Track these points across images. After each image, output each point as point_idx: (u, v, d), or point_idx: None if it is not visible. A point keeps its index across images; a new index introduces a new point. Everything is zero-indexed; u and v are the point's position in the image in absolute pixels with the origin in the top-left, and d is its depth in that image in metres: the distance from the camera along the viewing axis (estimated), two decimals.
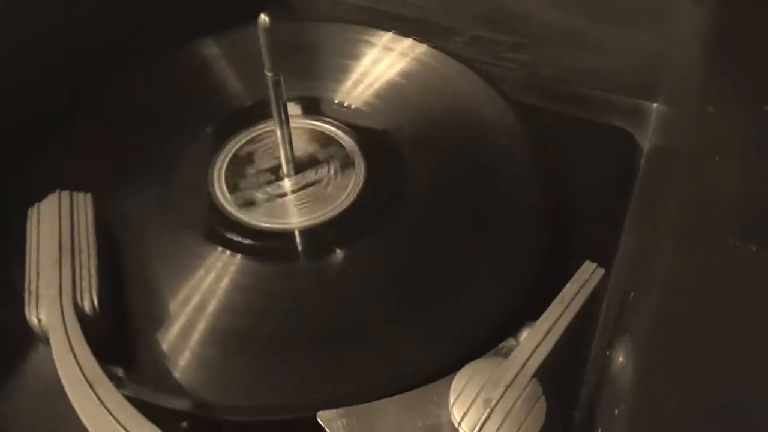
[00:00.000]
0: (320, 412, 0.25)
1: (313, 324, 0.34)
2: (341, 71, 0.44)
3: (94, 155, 0.40)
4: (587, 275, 0.27)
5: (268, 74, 0.35)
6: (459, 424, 0.23)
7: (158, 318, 0.33)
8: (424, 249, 0.37)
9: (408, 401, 0.25)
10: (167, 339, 0.33)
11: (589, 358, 0.31)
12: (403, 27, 0.47)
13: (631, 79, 0.46)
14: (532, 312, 0.29)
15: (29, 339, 0.33)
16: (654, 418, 0.20)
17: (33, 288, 0.31)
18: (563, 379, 0.29)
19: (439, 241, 0.37)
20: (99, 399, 0.27)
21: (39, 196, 0.35)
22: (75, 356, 0.28)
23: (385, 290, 0.35)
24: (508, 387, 0.23)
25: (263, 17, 0.33)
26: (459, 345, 0.30)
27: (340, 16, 0.53)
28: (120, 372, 0.31)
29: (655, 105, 0.47)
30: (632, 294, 0.27)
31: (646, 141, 0.45)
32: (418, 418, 0.24)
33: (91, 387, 0.27)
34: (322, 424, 0.24)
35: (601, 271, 0.27)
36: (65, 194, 0.35)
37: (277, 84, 0.35)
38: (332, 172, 0.40)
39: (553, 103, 0.47)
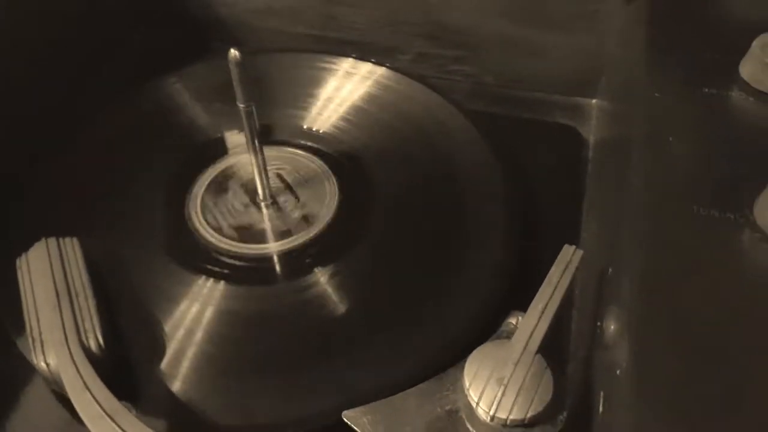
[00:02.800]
0: (345, 412, 0.26)
1: (306, 340, 0.35)
2: (307, 98, 0.46)
3: (72, 197, 0.41)
4: (568, 257, 0.29)
5: (241, 105, 0.36)
6: (477, 403, 0.25)
7: (159, 350, 0.34)
8: (402, 259, 0.39)
9: (425, 391, 0.27)
10: (171, 370, 0.34)
11: (573, 330, 0.34)
12: (349, 51, 0.49)
13: (570, 79, 0.50)
14: (516, 300, 0.31)
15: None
16: (655, 370, 0.22)
17: (36, 334, 0.32)
18: (559, 352, 0.32)
19: (416, 250, 0.39)
20: (123, 430, 0.28)
21: (19, 245, 0.36)
22: (92, 393, 0.29)
23: (367, 304, 0.36)
24: (516, 365, 0.26)
25: (234, 52, 0.34)
26: (448, 346, 0.32)
27: (285, 46, 0.55)
28: (129, 406, 0.32)
29: (594, 101, 0.50)
30: (610, 269, 0.30)
31: (591, 134, 0.48)
32: (437, 406, 0.26)
33: (113, 420, 0.28)
34: (349, 423, 0.26)
35: (580, 252, 0.30)
36: (52, 241, 0.35)
37: (249, 114, 0.37)
38: (306, 195, 0.41)
39: (501, 108, 0.50)
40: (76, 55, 0.48)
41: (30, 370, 0.36)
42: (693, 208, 0.26)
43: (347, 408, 0.28)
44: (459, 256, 0.38)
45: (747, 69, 0.30)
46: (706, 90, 0.30)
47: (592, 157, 0.46)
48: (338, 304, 0.36)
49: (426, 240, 0.39)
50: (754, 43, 0.30)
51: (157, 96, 0.46)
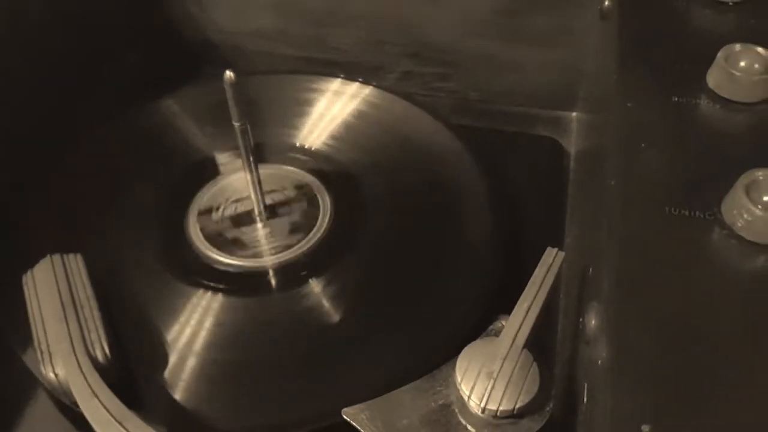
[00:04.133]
0: (344, 409, 0.28)
1: (302, 347, 0.37)
2: (298, 117, 0.48)
3: (73, 216, 0.42)
4: (551, 259, 0.31)
5: (236, 124, 0.38)
6: (469, 397, 0.27)
7: (162, 359, 0.36)
8: (393, 268, 0.40)
9: (420, 387, 0.28)
10: (173, 378, 0.35)
11: (559, 327, 0.35)
12: (337, 71, 0.51)
13: (551, 93, 0.52)
14: (503, 302, 0.33)
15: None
16: (633, 360, 0.24)
17: (44, 346, 0.33)
18: (545, 348, 0.33)
19: (407, 258, 0.41)
20: None
21: (19, 265, 0.37)
22: (100, 400, 0.30)
23: (360, 311, 0.38)
24: (504, 360, 0.27)
25: (229, 74, 0.36)
26: (440, 347, 0.33)
27: (274, 68, 0.57)
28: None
29: (574, 114, 0.52)
30: (590, 269, 0.31)
31: (571, 145, 0.50)
32: (431, 400, 0.28)
33: (122, 425, 0.29)
34: (348, 419, 0.27)
35: (562, 254, 0.31)
36: (56, 257, 0.37)
37: (244, 132, 0.39)
38: (300, 210, 0.43)
39: (485, 122, 0.52)
40: (70, 78, 0.49)
41: (33, 384, 0.38)
42: (665, 208, 0.28)
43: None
44: (448, 263, 0.39)
45: (713, 78, 0.32)
46: (676, 99, 0.32)
47: (573, 167, 0.48)
48: (333, 312, 0.38)
49: (416, 249, 0.41)
50: (719, 54, 0.32)
51: (154, 116, 0.48)
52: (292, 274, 0.40)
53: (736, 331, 0.25)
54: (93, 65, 0.51)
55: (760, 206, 0.26)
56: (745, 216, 0.26)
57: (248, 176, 0.41)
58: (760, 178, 0.27)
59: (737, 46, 0.32)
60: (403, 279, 0.40)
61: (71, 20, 0.49)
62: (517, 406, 0.26)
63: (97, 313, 0.34)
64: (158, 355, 0.36)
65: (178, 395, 0.34)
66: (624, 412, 0.22)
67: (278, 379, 0.35)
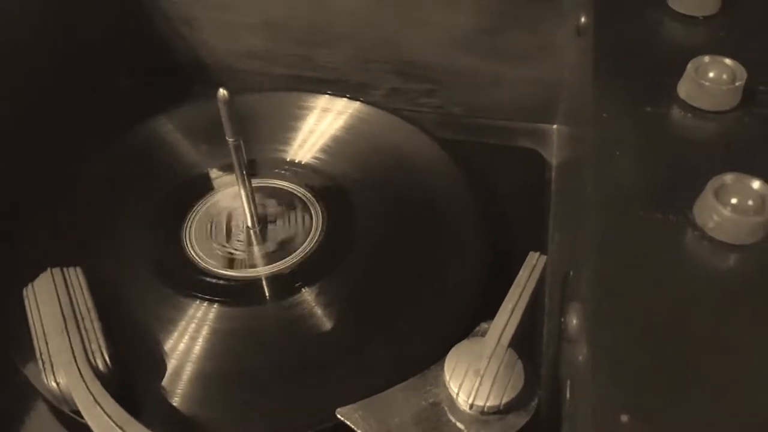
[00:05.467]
0: (339, 409, 0.29)
1: (295, 353, 0.38)
2: (288, 133, 0.50)
3: (71, 231, 0.44)
4: (534, 262, 0.32)
5: (230, 140, 0.39)
6: (457, 394, 0.28)
7: (160, 367, 0.37)
8: (383, 277, 0.42)
9: (410, 387, 0.29)
10: (171, 386, 0.36)
11: (544, 330, 0.37)
12: (325, 89, 0.53)
13: (532, 107, 0.54)
14: (489, 306, 0.34)
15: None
16: (612, 356, 0.25)
17: (45, 357, 0.34)
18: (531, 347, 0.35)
19: (397, 267, 0.42)
20: None
21: (21, 278, 0.38)
22: (102, 407, 0.31)
23: (352, 319, 0.39)
24: (490, 358, 0.28)
25: (222, 91, 0.37)
26: (429, 351, 0.35)
27: (264, 86, 0.58)
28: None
29: (555, 126, 0.54)
30: (571, 272, 0.33)
31: (553, 157, 0.52)
32: (421, 399, 0.29)
33: (124, 431, 0.30)
34: (342, 419, 0.29)
35: (544, 258, 0.33)
36: (56, 270, 0.38)
37: (237, 148, 0.40)
38: (292, 222, 0.44)
39: (469, 136, 0.54)
40: (66, 100, 0.51)
41: (33, 397, 0.39)
42: (640, 212, 0.29)
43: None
44: (436, 270, 0.41)
45: (683, 89, 0.34)
46: (649, 109, 0.34)
47: (554, 177, 0.50)
48: (325, 321, 0.39)
49: (405, 258, 0.42)
50: (689, 66, 0.33)
51: (149, 134, 0.49)
52: (286, 284, 0.41)
53: (709, 326, 0.26)
54: (88, 87, 0.52)
55: (729, 208, 0.27)
56: (715, 218, 0.28)
57: (241, 190, 0.42)
58: (728, 181, 0.28)
59: (706, 58, 0.33)
60: (392, 287, 0.41)
61: (66, 43, 0.51)
62: (504, 402, 0.28)
63: (97, 324, 0.35)
64: (157, 364, 0.37)
65: (176, 402, 0.35)
66: (604, 404, 0.24)
67: (272, 386, 0.37)
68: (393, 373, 0.34)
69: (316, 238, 0.43)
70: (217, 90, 0.38)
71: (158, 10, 0.56)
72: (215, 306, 0.40)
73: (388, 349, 0.37)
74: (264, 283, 0.41)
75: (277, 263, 0.42)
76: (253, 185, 0.43)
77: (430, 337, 0.37)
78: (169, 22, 0.57)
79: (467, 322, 0.35)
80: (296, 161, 0.48)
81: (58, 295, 0.36)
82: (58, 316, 0.35)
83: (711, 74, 0.33)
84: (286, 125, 0.50)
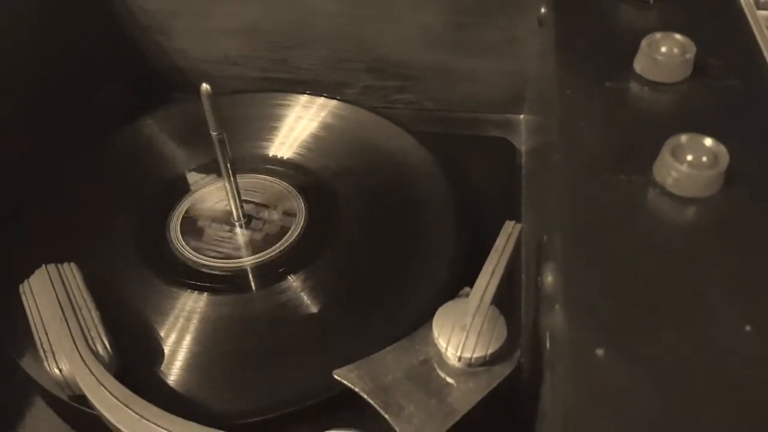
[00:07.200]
0: (336, 370, 0.31)
1: (284, 336, 0.40)
2: (269, 131, 0.51)
3: (64, 230, 0.45)
4: (510, 230, 0.35)
5: (213, 133, 0.41)
6: (446, 348, 0.30)
7: (157, 354, 0.38)
8: (366, 260, 0.44)
9: (401, 347, 0.31)
10: (167, 370, 0.38)
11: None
12: (301, 89, 0.55)
13: (500, 99, 0.56)
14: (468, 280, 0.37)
15: None
16: (585, 298, 0.27)
17: (47, 346, 0.35)
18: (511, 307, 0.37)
19: (379, 251, 0.44)
20: (139, 414, 0.31)
21: (14, 276, 0.40)
22: (106, 388, 0.33)
23: (336, 302, 0.41)
24: (474, 315, 0.30)
25: (205, 86, 0.39)
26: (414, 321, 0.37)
27: (242, 89, 0.60)
28: None
29: (522, 116, 0.57)
30: (545, 237, 0.35)
31: (522, 144, 0.54)
32: (412, 358, 0.31)
33: (129, 407, 0.32)
34: (339, 379, 0.30)
35: (519, 225, 0.35)
36: (51, 266, 0.39)
37: (221, 142, 0.42)
38: (276, 214, 0.46)
39: (442, 128, 0.56)
40: (52, 110, 0.52)
41: (31, 394, 0.40)
42: (604, 174, 0.32)
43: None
44: (417, 250, 0.43)
45: (639, 64, 0.36)
46: (608, 84, 0.36)
47: (524, 163, 0.52)
48: (311, 304, 0.41)
49: (386, 241, 0.44)
50: (643, 42, 0.36)
51: (133, 136, 0.51)
52: (272, 271, 0.43)
53: (673, 270, 0.28)
54: (69, 97, 0.54)
55: (685, 165, 0.30)
56: (674, 174, 0.30)
57: (226, 184, 0.44)
58: (683, 141, 0.31)
59: (658, 35, 0.36)
60: (376, 270, 0.43)
61: (46, 55, 0.52)
62: (489, 353, 0.29)
63: (95, 313, 0.37)
64: (153, 349, 0.38)
65: (172, 384, 0.37)
66: (580, 341, 0.26)
67: (263, 365, 0.38)
68: (381, 345, 0.36)
69: (300, 227, 0.45)
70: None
71: (134, 20, 0.58)
72: (205, 295, 0.41)
73: (372, 329, 0.39)
74: (251, 271, 0.43)
75: (263, 252, 0.44)
76: (238, 180, 0.44)
77: (411, 315, 0.38)
78: (145, 31, 0.58)
79: (450, 294, 0.37)
80: (278, 157, 0.50)
81: (54, 288, 0.37)
82: (56, 307, 0.36)
83: (663, 49, 0.35)
84: (267, 124, 0.52)
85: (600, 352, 0.25)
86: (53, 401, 0.38)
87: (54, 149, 0.50)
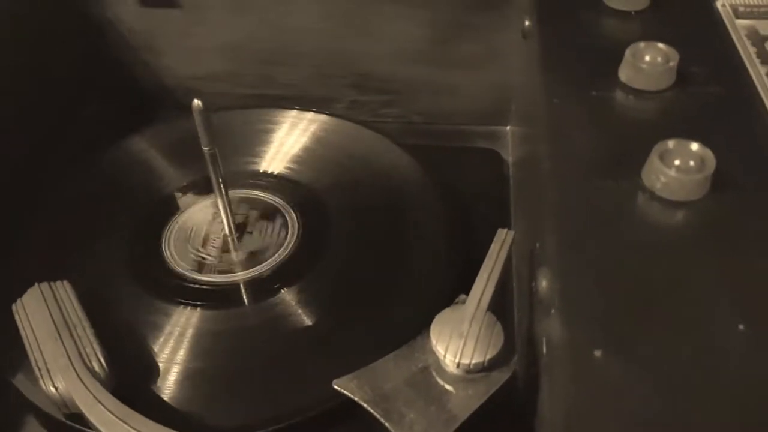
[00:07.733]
0: (335, 380, 0.31)
1: (277, 350, 0.40)
2: (259, 147, 0.52)
3: (56, 248, 0.45)
4: (503, 237, 0.35)
5: (205, 149, 0.41)
6: (444, 355, 0.30)
7: (152, 369, 0.38)
8: (358, 272, 0.44)
9: (400, 355, 0.31)
10: (162, 385, 0.38)
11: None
12: (289, 105, 0.55)
13: (486, 111, 0.57)
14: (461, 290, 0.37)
15: None
16: (580, 302, 0.28)
17: (42, 365, 0.35)
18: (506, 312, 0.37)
19: (371, 262, 0.44)
20: (136, 430, 0.31)
21: (4, 296, 0.39)
22: (102, 404, 0.32)
23: (329, 315, 0.41)
24: (471, 321, 0.31)
25: (197, 102, 0.39)
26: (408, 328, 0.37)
27: (230, 106, 0.60)
28: None
29: (508, 127, 0.58)
30: (537, 244, 0.35)
31: (509, 155, 0.55)
32: (411, 365, 0.31)
33: (126, 423, 0.32)
34: (339, 388, 0.30)
35: (512, 233, 0.36)
36: (44, 285, 0.39)
37: (213, 157, 0.42)
38: (269, 229, 0.46)
39: (430, 141, 0.57)
40: (39, 129, 0.52)
41: (24, 414, 0.39)
42: (594, 181, 0.32)
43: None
44: (411, 260, 0.43)
45: (624, 73, 0.37)
46: (594, 93, 0.37)
47: (512, 173, 0.53)
48: (305, 318, 0.41)
49: (380, 252, 0.44)
50: (627, 52, 0.37)
51: (124, 154, 0.51)
52: (266, 285, 0.43)
53: (664, 272, 0.29)
54: (56, 116, 0.54)
55: (673, 169, 0.31)
56: (662, 179, 0.31)
57: (218, 199, 0.44)
58: (671, 146, 0.31)
59: (642, 44, 0.37)
60: (370, 281, 0.43)
61: (33, 75, 0.52)
62: (487, 358, 0.30)
63: (89, 330, 0.36)
64: (149, 365, 0.38)
65: (169, 399, 0.37)
66: (578, 343, 0.26)
67: (257, 380, 0.38)
68: (379, 356, 0.37)
69: (293, 241, 0.45)
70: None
71: (121, 39, 0.58)
72: (199, 310, 0.41)
73: (365, 341, 0.39)
74: (244, 286, 0.43)
75: (256, 267, 0.44)
76: (230, 195, 0.45)
77: (405, 326, 0.38)
78: (132, 50, 0.59)
79: (446, 303, 0.37)
80: (269, 172, 0.50)
81: (48, 306, 0.37)
82: (50, 325, 0.36)
83: (647, 57, 0.36)
84: (257, 139, 0.52)
85: (598, 353, 0.26)
86: (48, 421, 0.38)
87: (43, 168, 0.50)
